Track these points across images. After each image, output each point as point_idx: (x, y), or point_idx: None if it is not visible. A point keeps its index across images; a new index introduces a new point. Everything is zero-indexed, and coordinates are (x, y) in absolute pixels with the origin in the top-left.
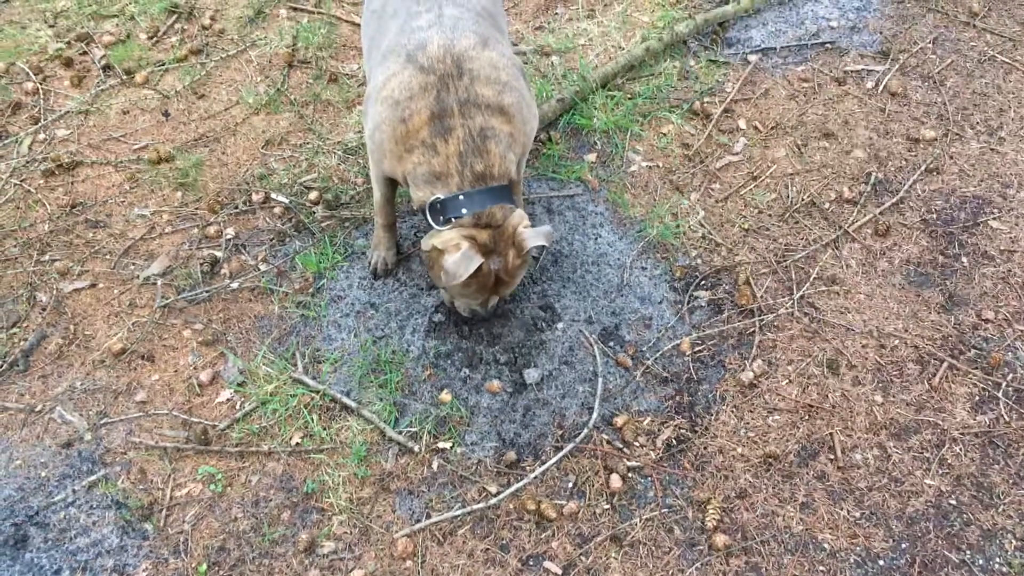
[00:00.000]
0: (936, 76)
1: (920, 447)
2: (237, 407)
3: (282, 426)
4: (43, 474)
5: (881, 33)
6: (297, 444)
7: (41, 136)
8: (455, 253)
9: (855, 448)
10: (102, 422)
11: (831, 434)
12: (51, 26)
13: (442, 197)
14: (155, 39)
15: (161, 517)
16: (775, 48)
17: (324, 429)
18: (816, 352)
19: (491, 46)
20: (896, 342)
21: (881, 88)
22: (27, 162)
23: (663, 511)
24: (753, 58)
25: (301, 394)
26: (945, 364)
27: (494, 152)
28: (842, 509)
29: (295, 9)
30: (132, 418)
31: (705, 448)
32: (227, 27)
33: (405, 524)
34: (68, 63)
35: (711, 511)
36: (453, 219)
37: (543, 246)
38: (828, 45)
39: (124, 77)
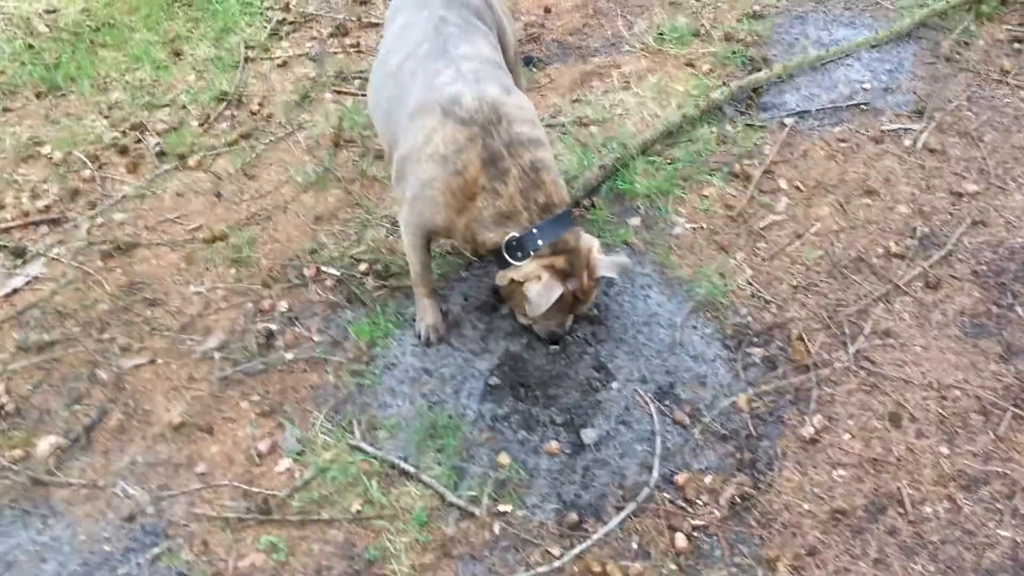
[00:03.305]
0: (973, 132)
1: (991, 498)
2: (296, 476)
3: (342, 493)
4: (107, 548)
5: (915, 93)
6: (358, 511)
7: (99, 220)
8: (537, 284)
9: (924, 501)
10: (164, 495)
11: (899, 488)
12: (106, 117)
13: (517, 235)
14: (206, 125)
15: None
16: (810, 111)
17: (384, 495)
18: (876, 406)
19: (511, 91)
20: (957, 393)
21: (919, 145)
22: (86, 245)
23: (732, 570)
24: (789, 121)
25: (360, 461)
26: (1009, 413)
27: (548, 182)
28: (916, 563)
29: (339, 92)
30: (193, 490)
31: (770, 505)
32: (275, 112)
33: None
34: (123, 151)
35: (781, 569)
36: (532, 253)
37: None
38: (863, 106)
39: (177, 162)
